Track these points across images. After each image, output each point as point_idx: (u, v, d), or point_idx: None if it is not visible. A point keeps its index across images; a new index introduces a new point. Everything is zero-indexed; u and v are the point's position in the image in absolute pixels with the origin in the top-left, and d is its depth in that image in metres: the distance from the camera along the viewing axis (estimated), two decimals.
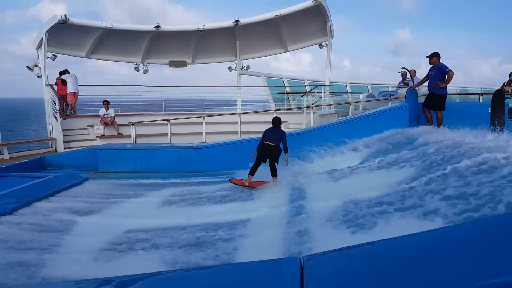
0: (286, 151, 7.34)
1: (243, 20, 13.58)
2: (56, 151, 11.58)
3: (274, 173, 7.33)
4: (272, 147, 7.28)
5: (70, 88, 12.42)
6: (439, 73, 8.39)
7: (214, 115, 13.18)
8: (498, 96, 8.87)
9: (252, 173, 7.25)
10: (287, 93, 15.51)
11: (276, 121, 7.68)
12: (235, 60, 15.70)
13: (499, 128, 7.62)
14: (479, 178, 4.64)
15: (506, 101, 8.82)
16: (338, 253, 2.29)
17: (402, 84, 12.52)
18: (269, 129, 7.56)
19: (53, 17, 11.72)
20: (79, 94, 12.86)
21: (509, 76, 11.95)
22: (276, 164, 7.32)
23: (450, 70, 8.26)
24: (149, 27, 13.48)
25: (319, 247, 3.80)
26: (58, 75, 12.96)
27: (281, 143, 7.33)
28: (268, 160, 7.35)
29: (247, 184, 7.20)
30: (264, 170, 7.38)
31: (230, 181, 7.41)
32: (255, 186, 7.20)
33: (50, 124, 12.32)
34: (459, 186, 4.63)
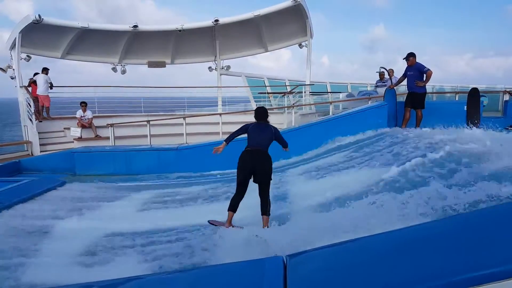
0: (285, 146, 5.46)
1: (222, 20, 13.52)
2: (32, 154, 11.26)
3: (265, 207, 4.90)
4: (260, 153, 5.00)
5: (39, 90, 12.06)
6: (418, 72, 8.57)
7: (194, 116, 13.07)
8: (474, 94, 9.11)
9: (232, 208, 4.93)
10: (268, 93, 15.54)
11: (263, 113, 5.37)
12: (215, 60, 15.63)
13: (475, 125, 7.81)
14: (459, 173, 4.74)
15: (482, 98, 9.08)
16: (320, 251, 2.30)
17: (380, 83, 12.72)
18: (253, 126, 5.25)
19: (27, 17, 11.39)
20: (48, 96, 12.33)
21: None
22: (268, 186, 5.00)
23: (429, 69, 8.44)
24: (126, 26, 13.25)
25: (301, 246, 3.81)
26: (32, 76, 12.61)
27: (270, 145, 5.18)
28: (256, 177, 4.97)
29: (227, 226, 4.87)
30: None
31: (208, 222, 5.11)
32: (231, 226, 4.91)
33: (25, 127, 11.98)
34: (438, 180, 4.71)
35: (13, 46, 12.03)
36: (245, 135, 5.28)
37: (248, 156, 5.00)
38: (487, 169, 4.43)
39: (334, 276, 1.94)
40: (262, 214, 4.91)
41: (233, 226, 4.88)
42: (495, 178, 4.07)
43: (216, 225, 4.98)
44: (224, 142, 5.26)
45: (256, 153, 5.00)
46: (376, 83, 13.20)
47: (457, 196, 3.98)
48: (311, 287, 1.87)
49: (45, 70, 12.37)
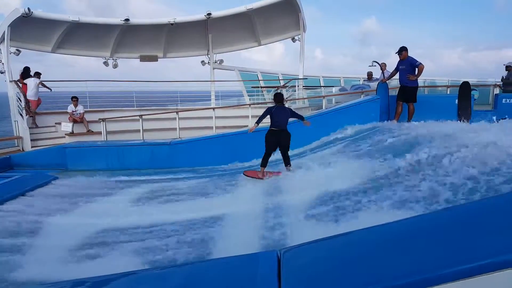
0: (303, 119, 7.23)
1: (215, 13, 13.43)
2: (23, 150, 11.13)
3: (287, 162, 7.08)
4: (282, 132, 6.88)
5: (28, 94, 11.85)
6: (410, 66, 8.62)
7: (187, 110, 12.99)
8: (465, 88, 9.19)
9: (264, 164, 6.95)
10: (261, 87, 15.51)
11: (281, 98, 7.12)
12: (208, 54, 15.54)
13: (465, 119, 7.89)
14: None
15: (472, 92, 9.15)
16: (314, 245, 2.31)
17: (367, 83, 12.78)
18: (275, 109, 6.90)
19: (16, 11, 11.20)
20: (35, 100, 11.97)
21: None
22: (288, 150, 7.03)
23: (420, 63, 8.49)
24: (118, 20, 13.09)
25: (295, 239, 3.83)
26: (22, 71, 12.40)
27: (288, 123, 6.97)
28: (280, 147, 6.99)
29: (260, 176, 6.92)
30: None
31: (244, 173, 7.17)
32: (268, 176, 6.95)
33: (16, 122, 11.83)
34: (430, 174, 4.76)
35: (1, 40, 11.84)
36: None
37: (273, 135, 6.87)
38: (477, 161, 4.48)
39: (328, 269, 1.95)
40: (285, 165, 7.09)
41: (264, 176, 6.85)
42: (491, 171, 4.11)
43: (252, 177, 6.89)
44: (256, 123, 6.90)
45: (279, 133, 6.85)
46: (363, 82, 13.27)
47: (453, 191, 4.02)
48: (305, 281, 1.88)
49: (37, 74, 12.20)
